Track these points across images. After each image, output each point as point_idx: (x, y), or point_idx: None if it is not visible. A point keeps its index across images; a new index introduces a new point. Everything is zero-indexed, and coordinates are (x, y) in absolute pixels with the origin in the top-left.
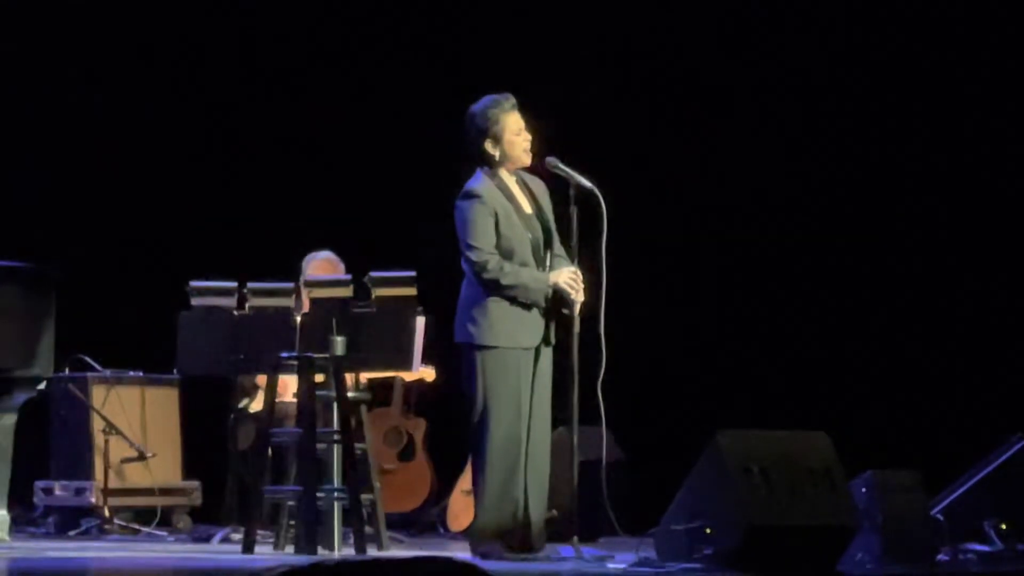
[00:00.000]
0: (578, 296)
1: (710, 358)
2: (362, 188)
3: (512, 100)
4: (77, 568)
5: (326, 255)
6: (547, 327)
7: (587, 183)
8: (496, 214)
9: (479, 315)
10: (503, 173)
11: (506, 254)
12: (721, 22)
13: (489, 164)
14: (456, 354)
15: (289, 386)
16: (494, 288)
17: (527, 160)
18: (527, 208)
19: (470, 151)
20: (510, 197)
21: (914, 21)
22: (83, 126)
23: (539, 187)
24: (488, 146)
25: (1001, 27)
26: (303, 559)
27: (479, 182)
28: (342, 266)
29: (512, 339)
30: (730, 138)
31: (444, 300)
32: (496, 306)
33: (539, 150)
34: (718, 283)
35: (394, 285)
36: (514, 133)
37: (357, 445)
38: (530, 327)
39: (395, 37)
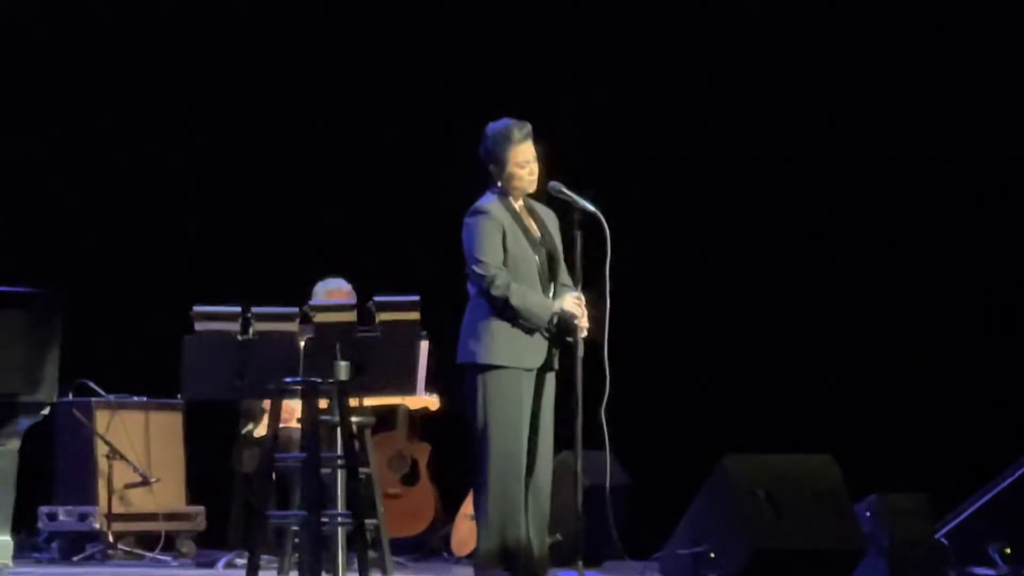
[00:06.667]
0: (582, 321)
1: (715, 382)
2: (367, 214)
3: (526, 130)
4: None
5: (338, 283)
6: (550, 352)
7: (591, 207)
8: (504, 231)
9: (482, 335)
10: (511, 198)
11: (511, 272)
12: (726, 44)
13: (495, 186)
14: (459, 377)
15: (296, 411)
16: (501, 305)
17: (531, 189)
18: (534, 231)
19: (481, 167)
20: (517, 219)
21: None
22: (88, 149)
23: (548, 216)
24: (492, 169)
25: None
26: None
27: (488, 200)
28: (354, 295)
29: (514, 359)
30: (736, 161)
31: (446, 326)
32: (499, 326)
33: (547, 176)
34: (722, 307)
35: (398, 310)
36: (518, 165)
37: (361, 470)
38: (533, 348)
39: (403, 60)
